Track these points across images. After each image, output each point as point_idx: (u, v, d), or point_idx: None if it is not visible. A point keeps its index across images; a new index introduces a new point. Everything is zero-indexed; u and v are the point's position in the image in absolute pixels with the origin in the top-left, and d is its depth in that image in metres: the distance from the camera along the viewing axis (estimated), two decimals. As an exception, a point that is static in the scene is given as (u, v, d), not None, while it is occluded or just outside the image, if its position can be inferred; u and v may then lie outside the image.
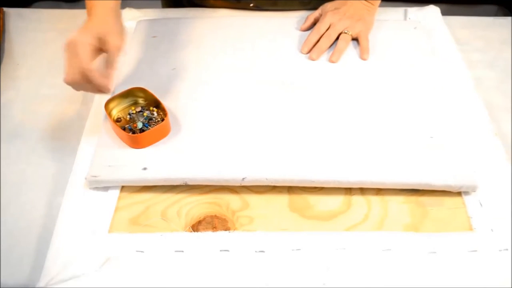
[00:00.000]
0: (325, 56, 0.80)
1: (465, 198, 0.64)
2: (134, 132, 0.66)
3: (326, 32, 0.81)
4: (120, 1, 0.69)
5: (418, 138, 0.67)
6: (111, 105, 0.69)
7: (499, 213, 0.62)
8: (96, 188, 0.64)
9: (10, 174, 0.68)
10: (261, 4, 0.90)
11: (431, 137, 0.67)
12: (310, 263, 0.58)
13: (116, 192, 0.64)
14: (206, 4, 0.92)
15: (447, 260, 0.58)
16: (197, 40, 0.83)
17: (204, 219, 0.62)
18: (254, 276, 0.56)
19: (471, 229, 0.61)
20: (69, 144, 0.71)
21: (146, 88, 0.70)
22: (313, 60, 0.80)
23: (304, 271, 0.57)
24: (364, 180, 0.63)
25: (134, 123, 0.67)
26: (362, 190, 0.65)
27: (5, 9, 0.95)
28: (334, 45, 0.81)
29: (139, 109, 0.69)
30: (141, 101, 0.71)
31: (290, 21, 0.87)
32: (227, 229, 0.61)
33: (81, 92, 0.67)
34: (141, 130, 0.66)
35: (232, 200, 0.64)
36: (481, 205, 0.63)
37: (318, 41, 0.81)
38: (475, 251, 0.59)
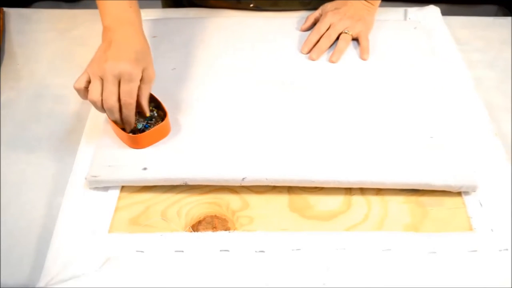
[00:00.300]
0: (325, 56, 0.80)
1: (465, 198, 0.64)
2: (134, 133, 0.66)
3: (326, 32, 0.81)
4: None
5: (418, 138, 0.67)
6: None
7: (499, 213, 0.62)
8: (96, 188, 0.64)
9: (10, 174, 0.68)
10: (262, 4, 0.90)
11: (431, 137, 0.67)
12: (310, 263, 0.58)
13: (116, 192, 0.64)
14: (207, 4, 0.92)
15: (447, 260, 0.58)
16: (197, 40, 0.83)
17: (204, 219, 0.62)
18: (254, 276, 0.56)
19: (471, 229, 0.61)
20: (69, 144, 0.71)
21: (146, 88, 0.70)
22: (313, 60, 0.80)
23: (304, 271, 0.57)
24: (364, 180, 0.63)
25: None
26: (362, 190, 0.65)
27: (5, 9, 0.95)
28: (334, 45, 0.81)
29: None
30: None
31: (290, 21, 0.87)
32: (227, 229, 0.61)
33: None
34: (141, 130, 0.66)
35: (232, 200, 0.64)
36: (481, 205, 0.63)
37: (318, 41, 0.81)
38: (475, 251, 0.59)
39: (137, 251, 0.58)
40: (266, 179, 0.63)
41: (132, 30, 0.65)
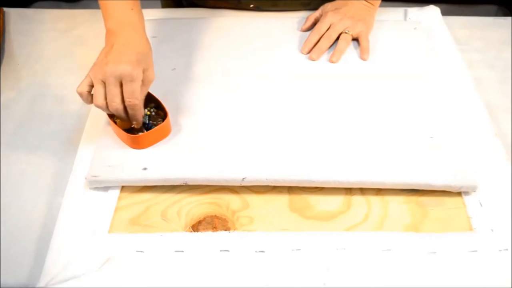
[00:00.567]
0: (325, 57, 0.80)
1: (465, 198, 0.64)
2: (133, 132, 0.66)
3: (327, 32, 0.81)
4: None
5: (418, 138, 0.67)
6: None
7: (499, 213, 0.62)
8: (96, 188, 0.64)
9: (10, 174, 0.68)
10: (262, 4, 0.90)
11: (431, 137, 0.67)
12: (310, 263, 0.57)
13: (116, 192, 0.64)
14: (206, 5, 0.92)
15: (447, 260, 0.58)
16: (197, 41, 0.83)
17: (204, 219, 0.62)
18: (254, 276, 0.56)
19: (471, 229, 0.61)
20: (69, 144, 0.71)
21: (146, 88, 0.70)
22: (313, 60, 0.80)
23: (304, 271, 0.57)
24: (364, 180, 0.63)
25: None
26: (362, 190, 0.65)
27: (5, 9, 0.95)
28: (334, 45, 0.81)
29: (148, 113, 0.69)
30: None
31: (290, 22, 0.87)
32: (227, 229, 0.61)
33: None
34: (144, 124, 0.66)
35: (232, 200, 0.64)
36: (481, 205, 0.63)
37: (318, 41, 0.81)
38: (475, 251, 0.59)
39: (137, 251, 0.58)
40: (266, 179, 0.63)
41: (133, 32, 0.65)
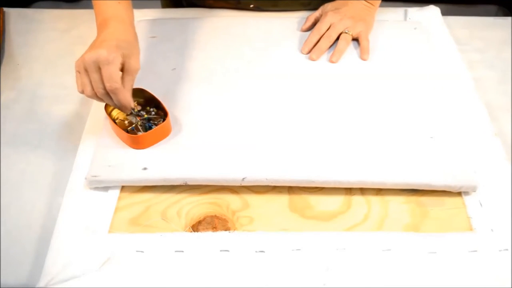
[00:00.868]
0: (325, 57, 0.80)
1: (465, 198, 0.64)
2: (133, 130, 0.66)
3: (327, 32, 0.81)
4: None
5: (418, 138, 0.67)
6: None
7: (499, 213, 0.62)
8: (96, 188, 0.64)
9: (10, 174, 0.68)
10: (262, 4, 0.90)
11: (431, 137, 0.67)
12: (310, 263, 0.57)
13: (116, 192, 0.64)
14: (206, 5, 0.92)
15: (447, 260, 0.58)
16: (197, 41, 0.83)
17: (204, 219, 0.62)
18: (254, 276, 0.56)
19: (471, 229, 0.61)
20: (69, 144, 0.71)
21: (146, 88, 0.70)
22: (313, 60, 0.80)
23: (304, 271, 0.57)
24: (364, 180, 0.63)
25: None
26: (362, 190, 0.65)
27: (5, 9, 0.95)
28: (334, 45, 0.81)
29: (139, 107, 0.69)
30: (141, 101, 0.71)
31: (290, 22, 0.87)
32: (227, 229, 0.61)
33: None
34: (144, 124, 0.66)
35: (232, 200, 0.64)
36: (481, 205, 0.63)
37: (318, 41, 0.81)
38: (475, 251, 0.59)
39: (137, 251, 0.58)
40: (266, 179, 0.63)
41: (118, 23, 0.65)
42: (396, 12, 0.92)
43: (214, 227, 0.61)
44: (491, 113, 0.74)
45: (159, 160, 0.64)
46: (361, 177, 0.63)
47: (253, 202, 0.64)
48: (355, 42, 0.82)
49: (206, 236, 0.60)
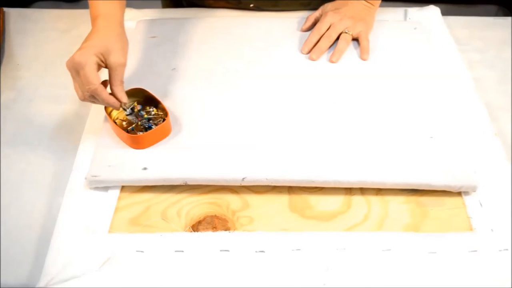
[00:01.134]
0: (325, 57, 0.80)
1: (465, 198, 0.64)
2: (133, 130, 0.66)
3: (327, 32, 0.81)
4: (124, 11, 0.69)
5: (418, 138, 0.67)
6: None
7: (499, 213, 0.62)
8: (96, 188, 0.64)
9: (10, 174, 0.68)
10: (262, 4, 0.90)
11: (431, 137, 0.67)
12: (310, 263, 0.58)
13: (116, 192, 0.64)
14: (206, 5, 0.92)
15: (447, 260, 0.58)
16: (197, 41, 0.83)
17: (204, 219, 0.62)
18: (254, 276, 0.56)
19: (471, 229, 0.61)
20: (69, 144, 0.71)
21: (146, 88, 0.70)
22: (313, 60, 0.80)
23: (304, 271, 0.57)
24: (364, 180, 0.63)
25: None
26: (362, 190, 0.65)
27: (5, 9, 0.95)
28: (334, 45, 0.81)
29: (139, 107, 0.69)
30: (141, 101, 0.71)
31: (290, 22, 0.87)
32: (227, 229, 0.61)
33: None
34: (144, 124, 0.66)
35: (232, 200, 0.64)
36: (481, 205, 0.63)
37: (318, 41, 0.81)
38: (475, 251, 0.59)
39: (137, 251, 0.58)
40: (266, 179, 0.63)
41: (103, 22, 0.65)
42: (396, 12, 0.92)
43: (214, 227, 0.61)
44: (491, 113, 0.74)
45: (159, 160, 0.64)
46: (361, 177, 0.63)
47: (253, 202, 0.64)
48: (355, 42, 0.82)
49: (206, 236, 0.60)
